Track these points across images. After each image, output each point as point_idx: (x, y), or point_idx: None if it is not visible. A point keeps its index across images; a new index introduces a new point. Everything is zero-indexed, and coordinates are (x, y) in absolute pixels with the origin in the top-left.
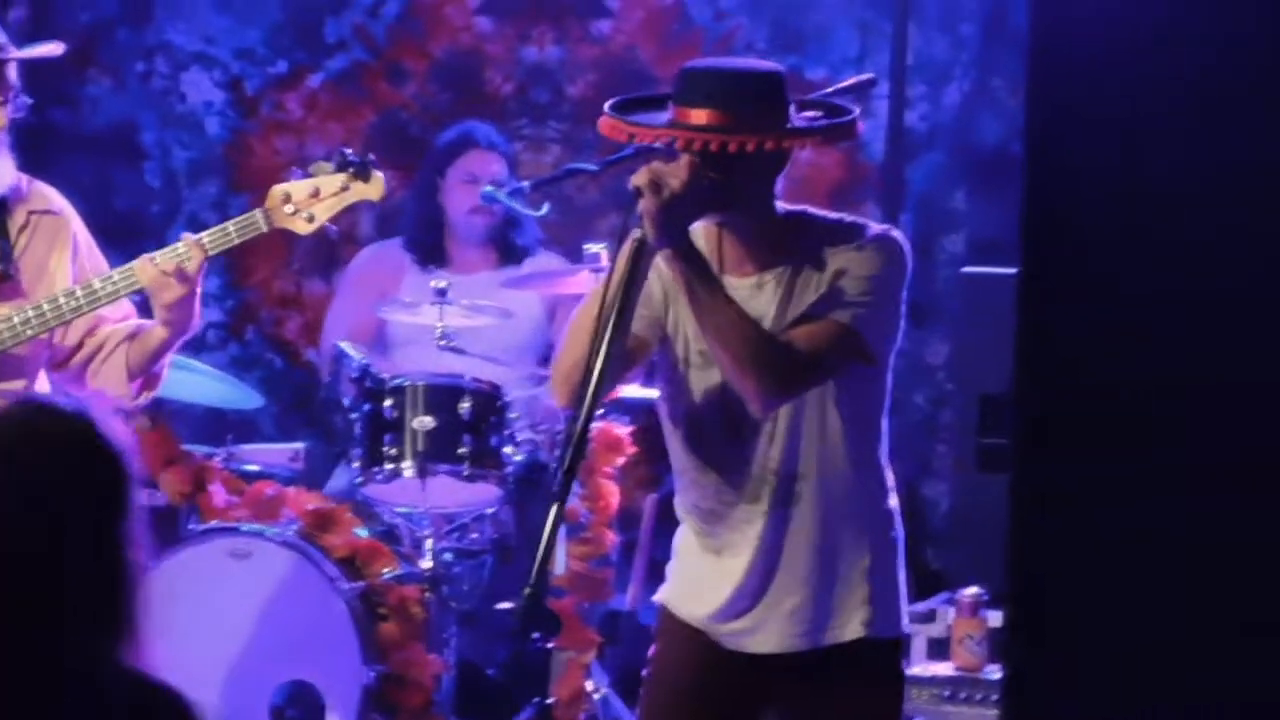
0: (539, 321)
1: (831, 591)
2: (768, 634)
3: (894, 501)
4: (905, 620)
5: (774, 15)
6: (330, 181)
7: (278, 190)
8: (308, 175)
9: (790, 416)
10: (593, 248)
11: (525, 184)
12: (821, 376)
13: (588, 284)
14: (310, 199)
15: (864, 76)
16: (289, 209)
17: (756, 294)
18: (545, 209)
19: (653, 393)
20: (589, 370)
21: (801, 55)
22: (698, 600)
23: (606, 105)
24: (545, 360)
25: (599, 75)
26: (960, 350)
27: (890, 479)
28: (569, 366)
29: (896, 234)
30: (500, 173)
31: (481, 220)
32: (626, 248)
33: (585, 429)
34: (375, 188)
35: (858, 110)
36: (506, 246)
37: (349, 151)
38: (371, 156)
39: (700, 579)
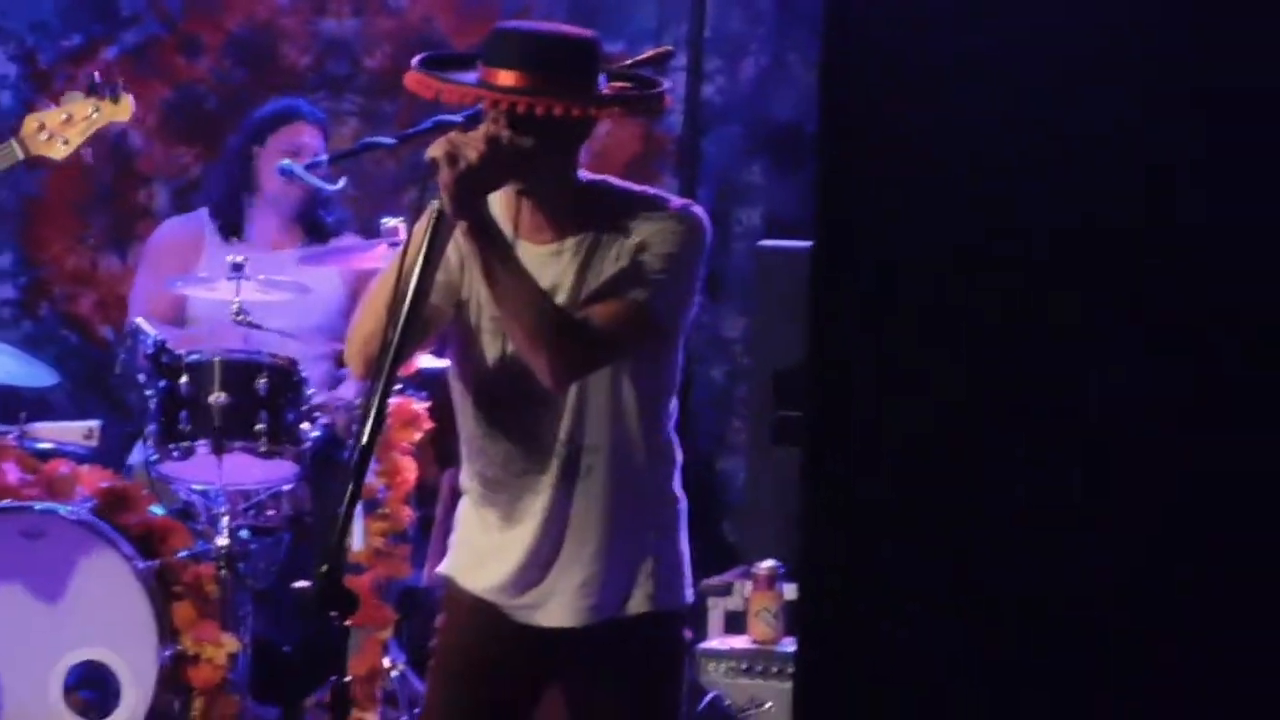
0: (338, 298)
1: (618, 565)
2: (554, 607)
3: (678, 477)
4: (689, 592)
5: None
6: (81, 107)
7: (31, 119)
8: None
9: (581, 389)
10: (390, 222)
11: (322, 158)
12: (615, 355)
13: (385, 259)
14: (63, 125)
15: (662, 48)
16: (43, 136)
17: (553, 261)
18: (342, 183)
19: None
20: (386, 343)
21: (600, 28)
22: (482, 572)
23: (414, 60)
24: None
25: (395, 47)
26: (756, 324)
27: (678, 454)
28: (364, 338)
29: (697, 209)
30: (320, 147)
31: (295, 193)
32: (424, 220)
33: (383, 403)
34: (124, 109)
35: (667, 83)
36: (313, 224)
37: (96, 75)
38: (120, 81)
39: (485, 550)
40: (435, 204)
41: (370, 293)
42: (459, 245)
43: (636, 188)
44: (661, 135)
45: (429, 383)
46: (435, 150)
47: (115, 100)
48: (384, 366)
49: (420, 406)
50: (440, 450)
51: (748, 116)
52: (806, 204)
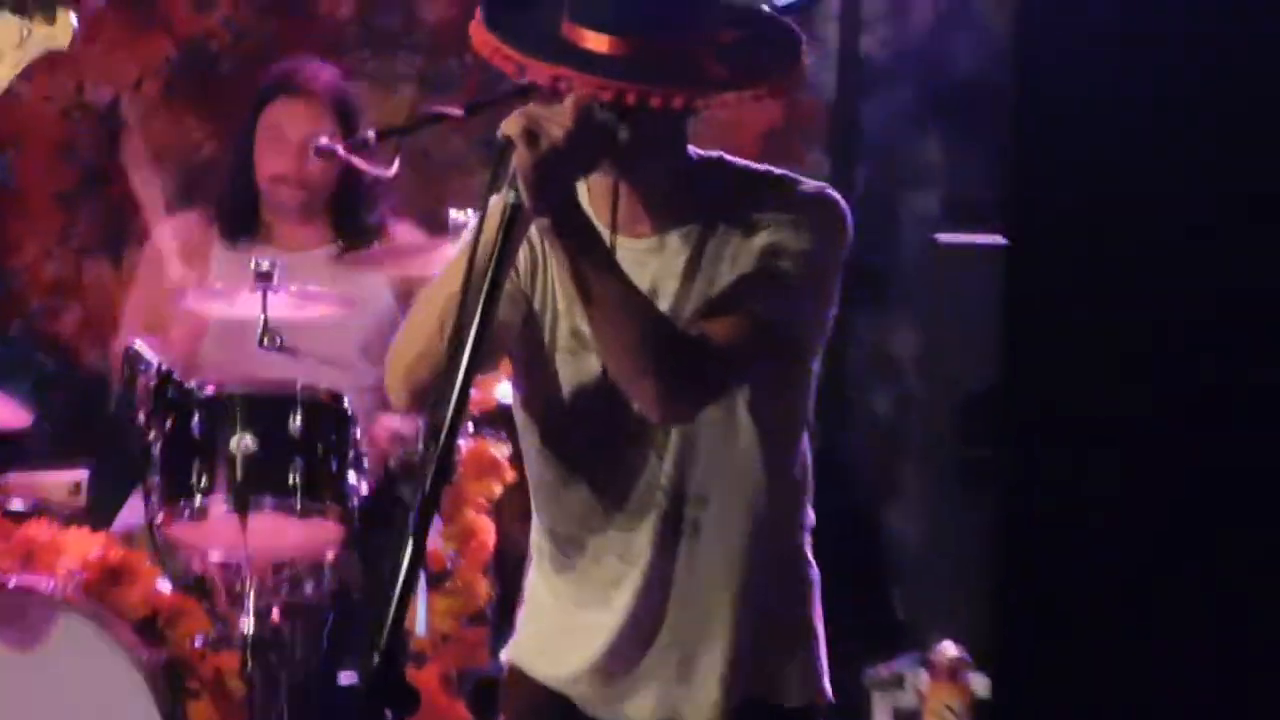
0: (390, 312)
1: (733, 649)
2: (646, 698)
3: (808, 536)
4: (827, 684)
5: None
6: (5, 31)
7: None
8: None
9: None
10: (458, 215)
11: (369, 134)
12: (738, 382)
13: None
14: None
15: None
16: None
17: (654, 258)
18: (395, 167)
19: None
20: (449, 366)
21: None
22: (556, 657)
23: (480, 10)
24: None
25: None
26: (933, 339)
27: (809, 508)
28: (410, 361)
29: (834, 194)
30: (320, 129)
31: (288, 192)
32: (494, 212)
33: (449, 445)
34: (62, 30)
35: (803, 38)
36: (345, 216)
37: None
38: None
39: (559, 629)
40: (510, 193)
41: (421, 303)
42: (530, 240)
43: (758, 167)
44: (809, 100)
45: (511, 420)
46: (510, 126)
47: (50, 19)
48: (450, 397)
49: (500, 451)
50: (527, 506)
51: (920, 74)
52: (998, 185)
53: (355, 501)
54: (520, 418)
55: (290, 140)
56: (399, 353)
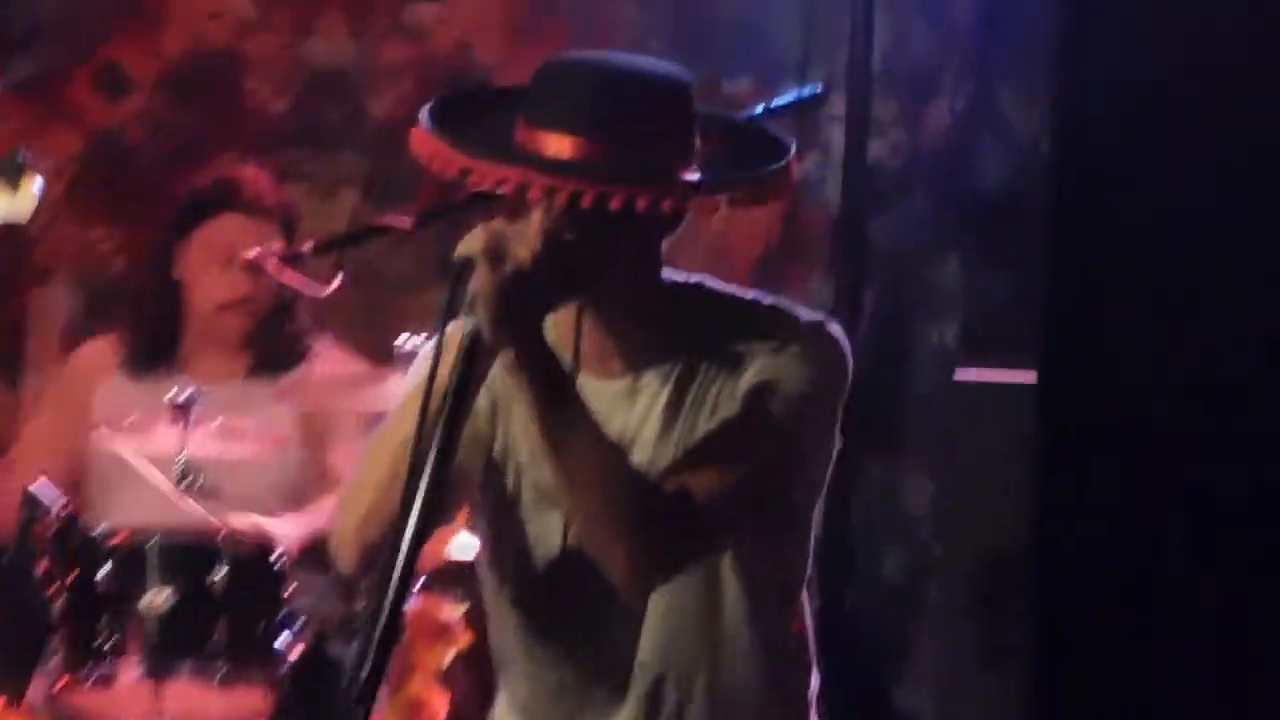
0: (327, 451)
1: None
2: None
3: (814, 704)
4: None
5: (680, 2)
6: None
7: None
8: None
9: (670, 590)
10: (409, 342)
11: (305, 246)
12: (722, 545)
13: (399, 395)
14: None
15: (810, 88)
16: None
17: (626, 402)
18: (335, 285)
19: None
20: (400, 519)
21: (717, 56)
22: None
23: (424, 111)
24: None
25: (415, 85)
26: (951, 492)
27: (813, 676)
28: (362, 516)
29: (834, 330)
30: (270, 249)
31: (237, 321)
32: (452, 342)
33: (396, 608)
34: (25, 201)
35: (792, 146)
36: (272, 339)
37: None
38: (23, 152)
39: None
40: (469, 322)
41: (367, 452)
42: (491, 382)
43: (745, 294)
44: (810, 215)
45: (466, 576)
46: (471, 245)
47: (14, 185)
48: (398, 555)
49: (454, 612)
50: (489, 673)
51: (938, 186)
52: (1025, 314)
53: (286, 666)
54: (483, 577)
55: (236, 260)
56: (347, 507)
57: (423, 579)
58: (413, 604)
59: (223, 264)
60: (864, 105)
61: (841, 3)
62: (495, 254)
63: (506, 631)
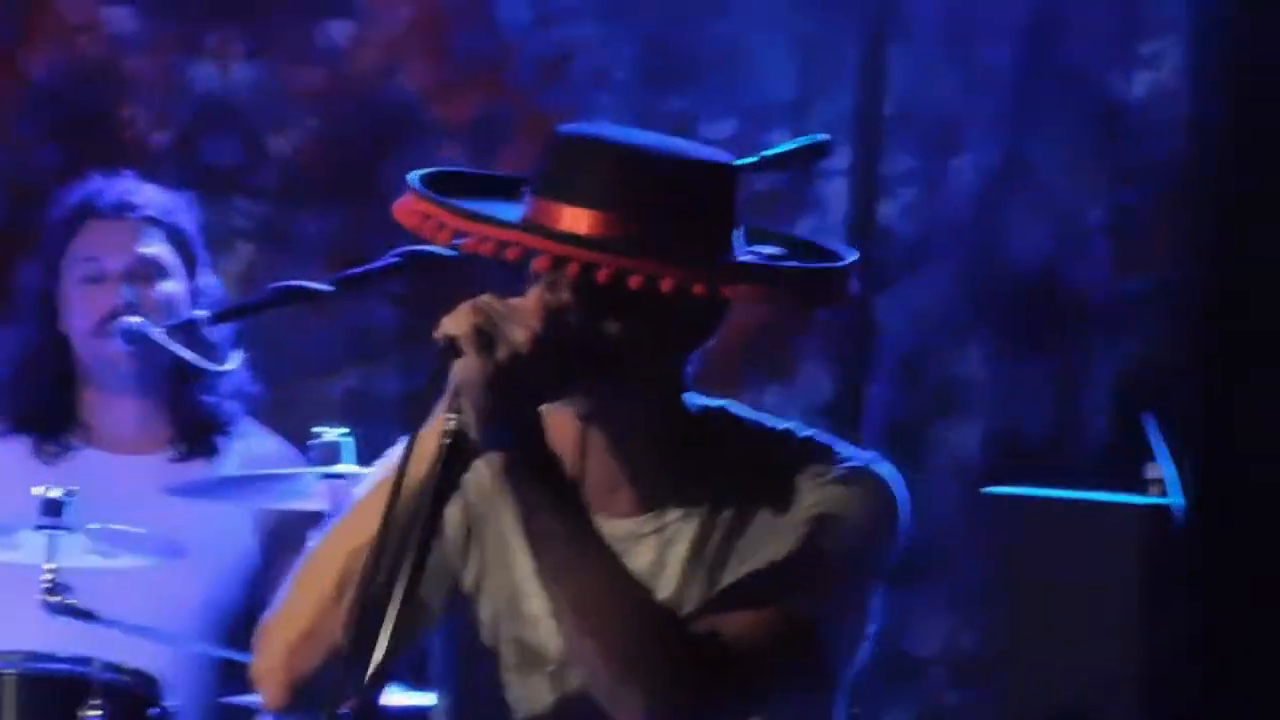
0: (243, 563)
1: None
2: None
3: None
4: None
5: (649, 25)
6: None
7: None
8: None
9: None
10: (327, 435)
11: (198, 314)
12: (759, 700)
13: (321, 497)
14: None
15: (809, 139)
16: None
17: (642, 545)
18: (235, 361)
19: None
20: (352, 655)
21: (694, 94)
22: None
23: (413, 177)
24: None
25: (325, 119)
26: (983, 632)
27: None
28: (294, 640)
29: (884, 469)
30: (151, 257)
31: (122, 355)
32: (429, 443)
33: None
34: None
35: (854, 254)
36: (186, 405)
37: None
38: None
39: None
40: (452, 418)
41: (310, 563)
42: (470, 498)
43: (777, 423)
44: None
45: None
46: (456, 323)
47: None
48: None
49: None
50: None
51: (961, 258)
52: (1066, 418)
53: None
54: None
55: (114, 270)
56: (276, 629)
57: None
58: None
59: (93, 281)
60: (872, 159)
61: (848, 35)
62: (485, 336)
63: None
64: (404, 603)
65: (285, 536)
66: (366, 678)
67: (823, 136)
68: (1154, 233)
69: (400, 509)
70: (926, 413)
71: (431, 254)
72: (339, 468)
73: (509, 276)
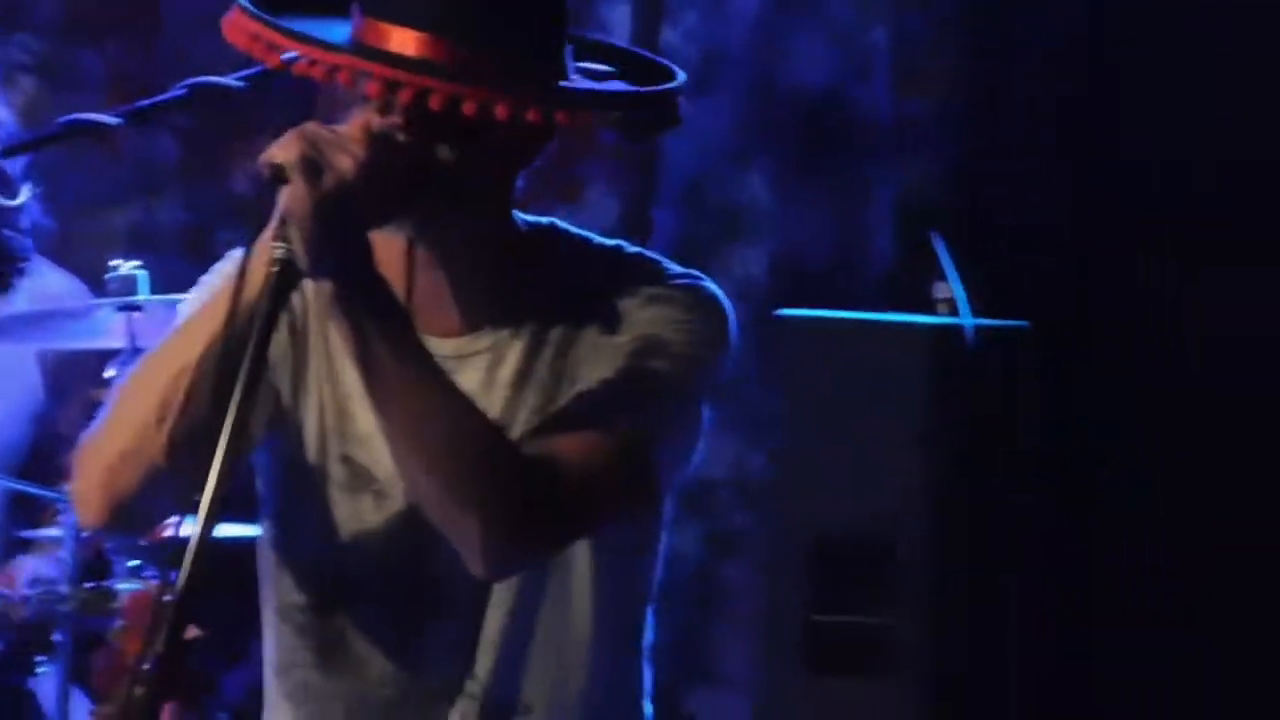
0: (29, 398)
1: None
2: None
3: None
4: None
5: None
6: None
7: None
8: None
9: (514, 594)
10: (123, 267)
11: None
12: (590, 522)
13: (115, 333)
14: None
15: None
16: None
17: (469, 365)
18: (26, 195)
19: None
20: (177, 471)
21: None
22: None
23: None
24: (34, 462)
25: None
26: (771, 451)
27: (649, 707)
28: (113, 460)
29: (708, 285)
30: None
31: None
32: (257, 271)
33: (192, 585)
34: None
35: (681, 73)
36: None
37: None
38: None
39: None
40: (280, 247)
41: (132, 384)
42: (293, 315)
43: (604, 241)
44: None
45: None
46: (282, 152)
47: None
48: (201, 514)
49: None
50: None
51: (744, 81)
52: (849, 236)
53: None
54: (264, 569)
55: None
56: (96, 449)
57: (137, 561)
58: (127, 591)
59: None
60: None
61: None
62: (312, 164)
63: (296, 639)
64: (233, 430)
65: (71, 373)
66: (203, 506)
67: None
68: (935, 54)
69: (230, 332)
70: (712, 237)
71: (219, 85)
72: (136, 299)
73: (290, 108)
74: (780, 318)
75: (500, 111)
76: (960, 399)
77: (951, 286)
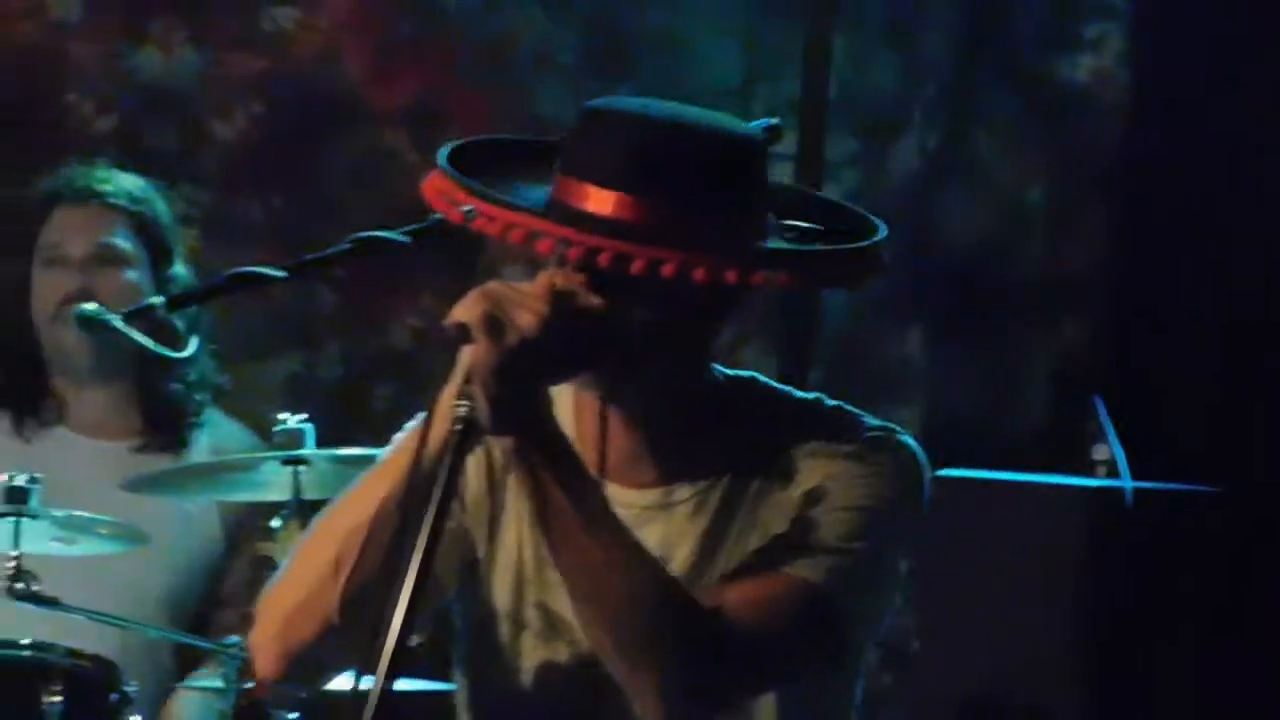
0: (208, 550)
1: None
2: None
3: None
4: None
5: (592, 8)
6: None
7: None
8: None
9: None
10: (289, 422)
11: (154, 300)
12: (776, 679)
13: (281, 485)
14: None
15: (759, 122)
16: None
17: (660, 517)
18: (193, 347)
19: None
20: (352, 625)
21: (637, 76)
22: None
23: (442, 152)
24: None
25: (268, 104)
26: (922, 618)
27: None
28: (290, 611)
29: (906, 439)
30: (114, 244)
31: (79, 341)
32: (439, 429)
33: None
34: None
35: (883, 226)
36: (154, 396)
37: None
38: None
39: None
40: (461, 405)
41: (312, 538)
42: (492, 465)
43: (803, 395)
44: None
45: (339, 712)
46: (467, 311)
47: None
48: (379, 676)
49: None
50: None
51: (902, 241)
52: (1009, 397)
53: None
54: (462, 718)
55: (74, 256)
56: (274, 601)
57: (295, 715)
58: None
59: (56, 264)
60: (816, 141)
61: (793, 16)
62: (495, 321)
63: None
64: (417, 584)
65: (247, 527)
66: (384, 655)
67: (773, 120)
68: (1090, 217)
69: (412, 489)
70: (867, 397)
71: (384, 240)
72: (303, 453)
73: (452, 263)
74: (937, 477)
75: (699, 275)
76: (1118, 563)
77: (1111, 448)
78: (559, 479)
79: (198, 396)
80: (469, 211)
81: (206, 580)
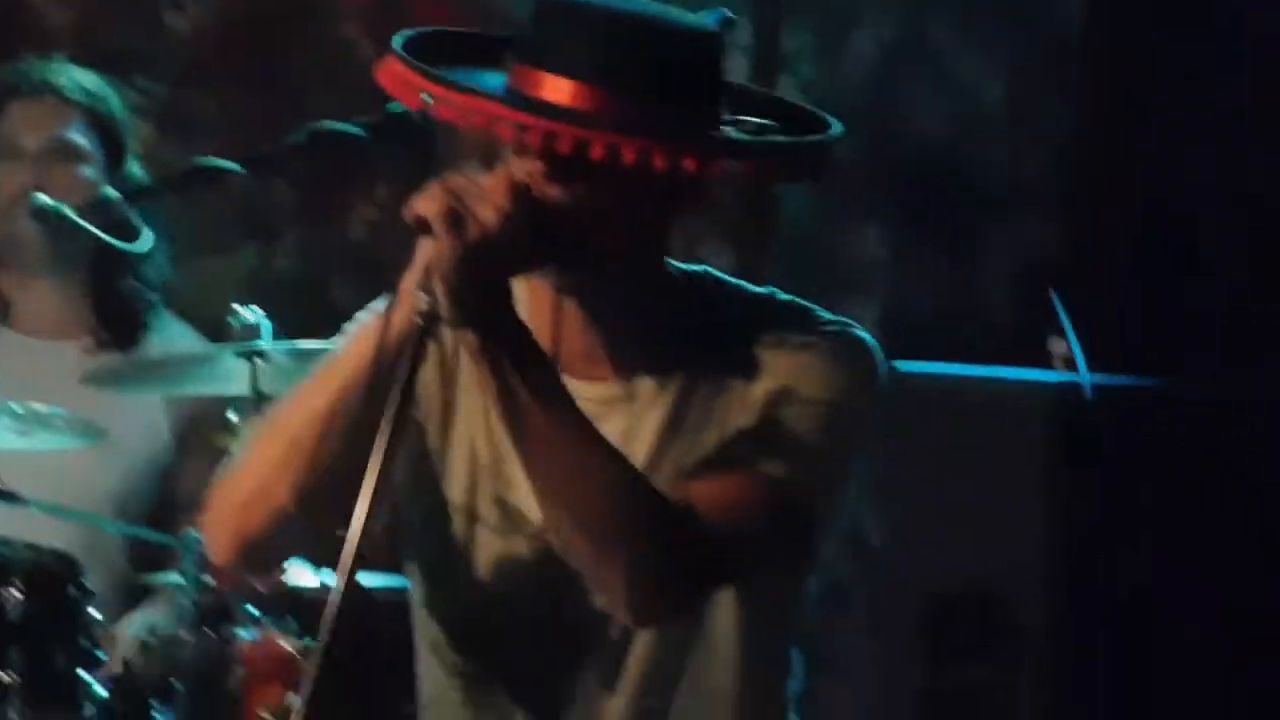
0: (157, 447)
1: None
2: None
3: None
4: None
5: None
6: None
7: None
8: None
9: (658, 639)
10: (248, 316)
11: (108, 192)
12: (738, 573)
13: (238, 379)
14: None
15: (711, 15)
16: None
17: (617, 411)
18: (149, 240)
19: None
20: (322, 507)
21: None
22: None
23: (396, 40)
24: (160, 512)
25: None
26: (884, 517)
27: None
28: (244, 500)
29: (861, 334)
30: (69, 139)
31: (32, 234)
32: (398, 321)
33: (336, 621)
34: None
35: (835, 123)
36: (108, 294)
37: None
38: None
39: None
40: (423, 299)
41: (266, 429)
42: (443, 356)
43: (757, 289)
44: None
45: (305, 609)
46: (426, 205)
47: None
48: (343, 573)
49: (291, 646)
50: None
51: (859, 137)
52: (967, 293)
53: (92, 710)
54: (419, 613)
55: (29, 149)
56: (227, 490)
57: (257, 611)
58: (246, 640)
59: (9, 159)
60: (773, 36)
61: None
62: (456, 216)
63: (444, 676)
64: (391, 464)
65: (197, 426)
66: (347, 552)
67: (725, 12)
68: (1052, 114)
69: (374, 383)
70: (825, 295)
71: (340, 132)
72: (260, 345)
73: (409, 156)
74: (895, 371)
75: (658, 162)
76: (1078, 455)
77: (1068, 342)
78: (521, 372)
79: (150, 296)
80: (428, 97)
81: (158, 481)
